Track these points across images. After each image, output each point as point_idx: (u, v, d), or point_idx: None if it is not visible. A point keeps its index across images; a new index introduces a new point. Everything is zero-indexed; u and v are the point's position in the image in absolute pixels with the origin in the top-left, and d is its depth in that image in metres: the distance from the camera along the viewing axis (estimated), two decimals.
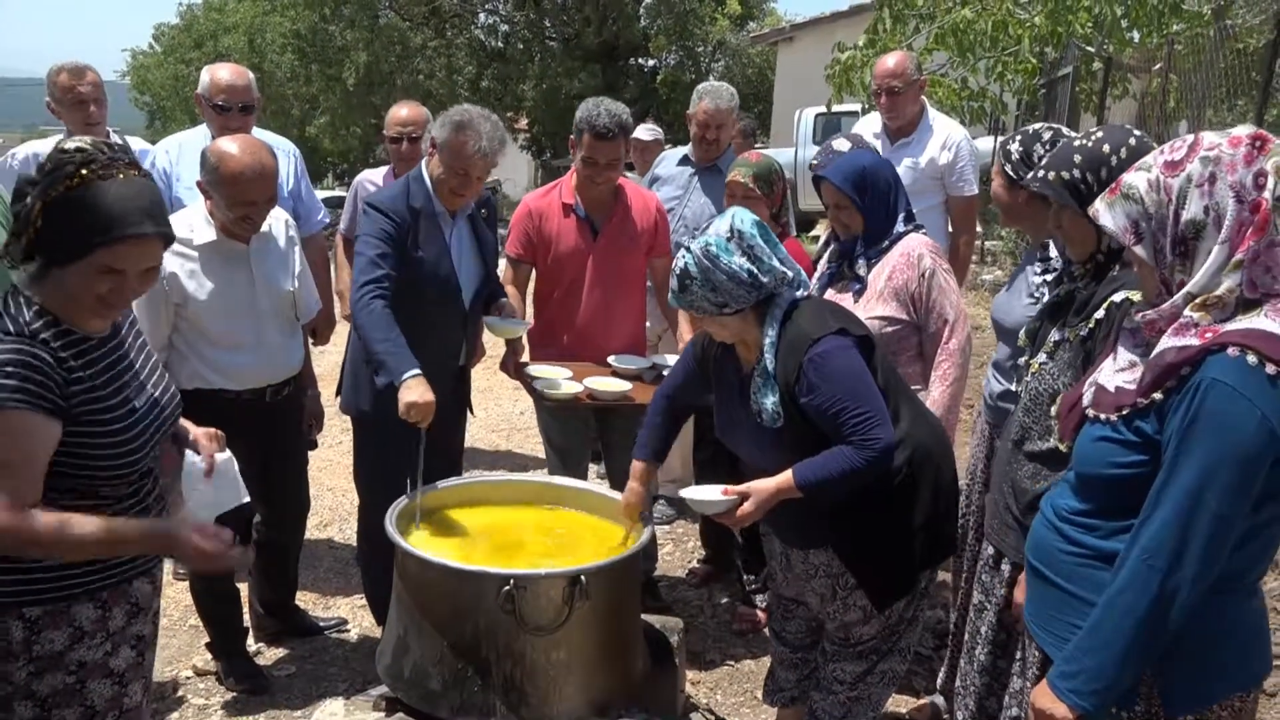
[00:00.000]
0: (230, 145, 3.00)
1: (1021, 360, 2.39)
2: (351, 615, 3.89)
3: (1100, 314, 2.15)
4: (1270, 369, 1.57)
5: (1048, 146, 2.60)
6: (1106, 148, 2.17)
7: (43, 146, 4.19)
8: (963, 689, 2.49)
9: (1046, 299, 2.40)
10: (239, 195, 2.97)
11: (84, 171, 1.82)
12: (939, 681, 3.12)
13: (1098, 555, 1.79)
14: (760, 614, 3.78)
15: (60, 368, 1.83)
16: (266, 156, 3.03)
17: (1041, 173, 2.23)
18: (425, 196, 3.26)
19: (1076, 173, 2.17)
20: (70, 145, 1.85)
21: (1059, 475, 2.03)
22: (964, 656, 2.52)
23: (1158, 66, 8.90)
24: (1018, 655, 2.33)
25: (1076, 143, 2.23)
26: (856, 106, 8.79)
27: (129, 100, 36.21)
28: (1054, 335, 2.27)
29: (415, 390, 2.86)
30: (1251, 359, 1.58)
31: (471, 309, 3.39)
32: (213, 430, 2.32)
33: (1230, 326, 1.62)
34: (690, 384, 2.81)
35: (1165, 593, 1.64)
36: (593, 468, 4.48)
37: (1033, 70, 7.91)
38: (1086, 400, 1.84)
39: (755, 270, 2.44)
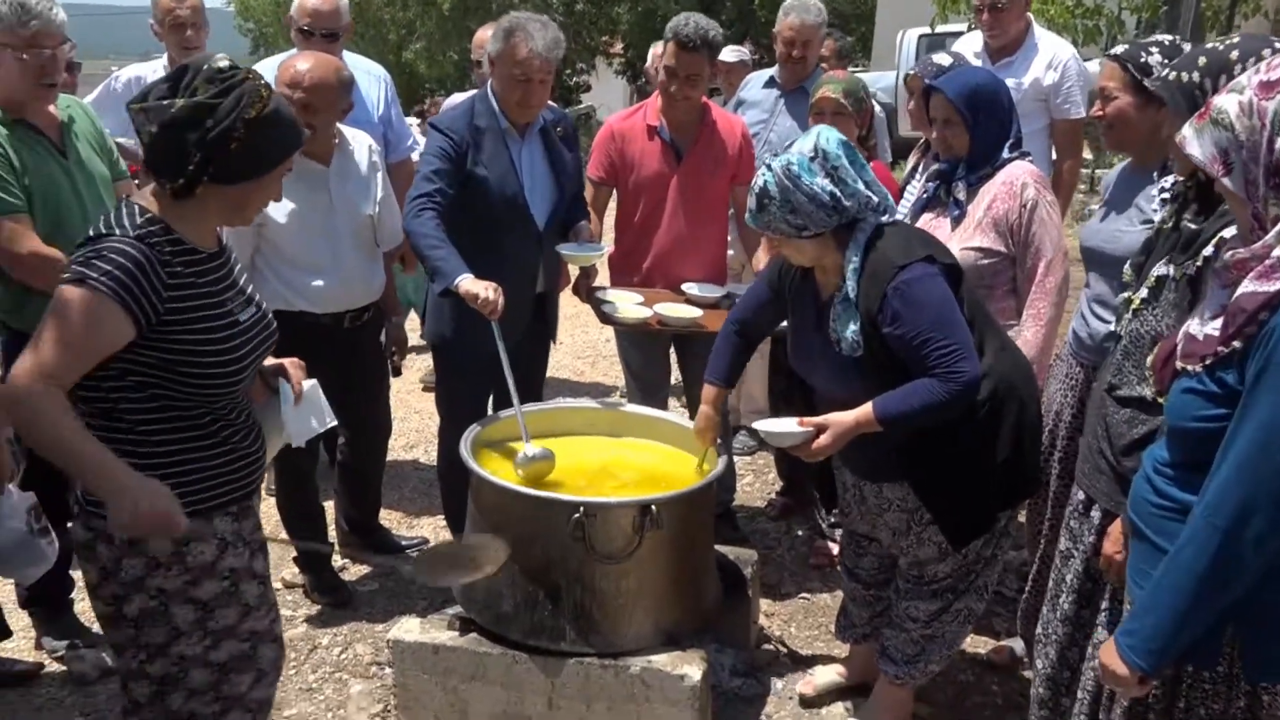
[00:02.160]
0: (298, 57, 3.05)
1: (1120, 298, 2.23)
2: (434, 535, 3.98)
3: (1209, 251, 1.96)
4: None
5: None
6: (1235, 54, 1.94)
7: (144, 69, 4.27)
8: (1044, 637, 2.40)
9: (1157, 223, 2.19)
10: (279, 93, 2.98)
11: (264, 91, 1.88)
12: (1019, 624, 3.04)
13: (1182, 509, 1.69)
14: (837, 549, 3.72)
15: (164, 272, 1.87)
16: (328, 71, 3.04)
17: (1166, 73, 2.04)
18: (490, 113, 3.21)
19: (1196, 75, 1.95)
20: (224, 64, 1.88)
21: (1155, 421, 1.91)
22: (1047, 604, 2.43)
23: None
24: (1103, 605, 2.24)
25: (1208, 45, 2.03)
26: (962, 26, 8.40)
27: (234, 27, 36.79)
28: (1158, 270, 2.11)
29: (473, 284, 2.84)
30: None
31: (547, 231, 3.31)
32: (295, 360, 2.36)
33: None
34: (763, 309, 2.73)
35: (1226, 551, 1.55)
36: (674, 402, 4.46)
37: None
38: (1178, 351, 1.71)
39: (838, 193, 2.33)
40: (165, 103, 1.83)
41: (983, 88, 2.84)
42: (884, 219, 2.44)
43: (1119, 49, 2.59)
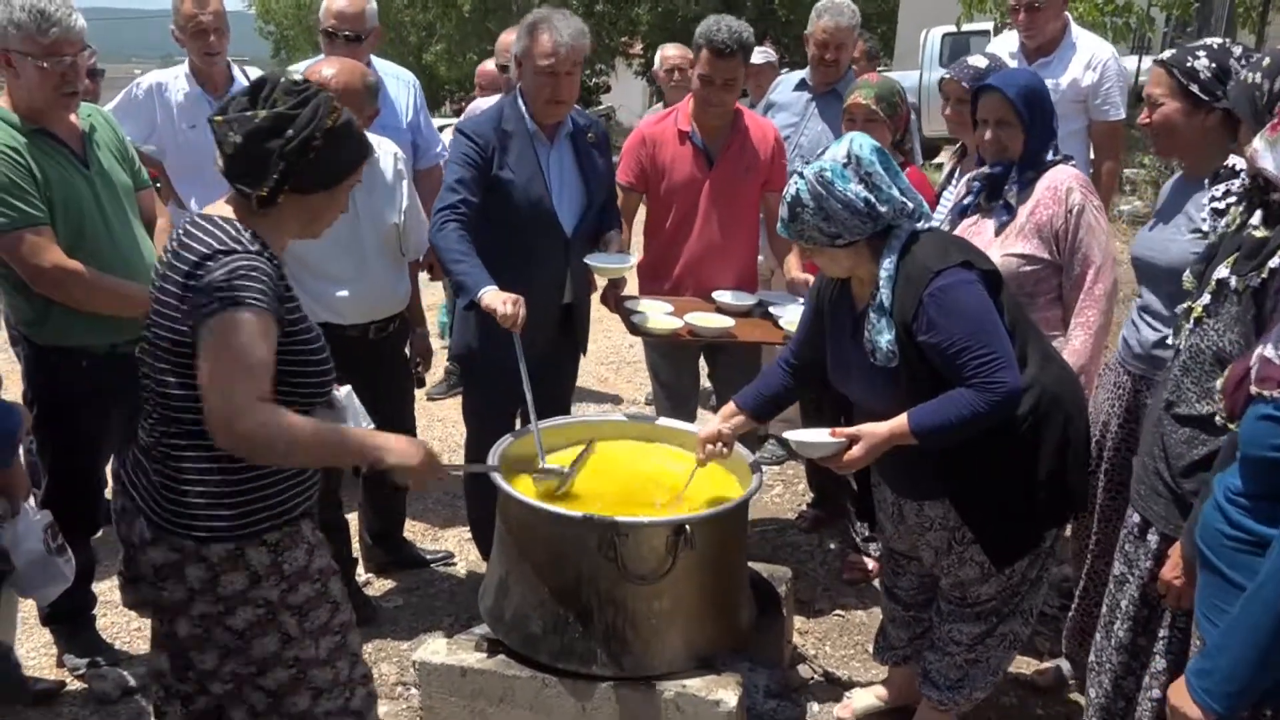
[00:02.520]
0: (323, 63, 2.99)
1: (1179, 308, 2.14)
2: (459, 548, 3.91)
3: (1277, 262, 1.87)
4: None
5: (1243, 62, 2.29)
6: None
7: (165, 75, 4.22)
8: (1098, 665, 2.31)
9: (1221, 228, 2.09)
10: None
11: (336, 103, 1.95)
12: (1064, 644, 2.94)
13: (1258, 541, 1.60)
14: (872, 563, 3.64)
15: (278, 281, 1.94)
16: (354, 77, 2.98)
17: (1244, 75, 1.94)
18: (518, 117, 3.15)
19: (1258, 77, 1.87)
20: (299, 77, 1.99)
21: (1218, 441, 1.82)
22: (1100, 631, 2.33)
23: None
24: (1160, 634, 2.14)
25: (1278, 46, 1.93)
26: (988, 25, 8.29)
27: (255, 30, 36.96)
28: (1219, 274, 1.99)
29: (494, 297, 2.80)
30: None
31: (575, 239, 3.23)
32: None
33: None
34: (814, 337, 2.62)
35: None
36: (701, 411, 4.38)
37: None
38: (1252, 375, 1.62)
39: (873, 199, 2.25)
40: (249, 114, 1.88)
41: (1037, 88, 2.78)
42: (919, 225, 2.36)
43: (1166, 54, 2.50)
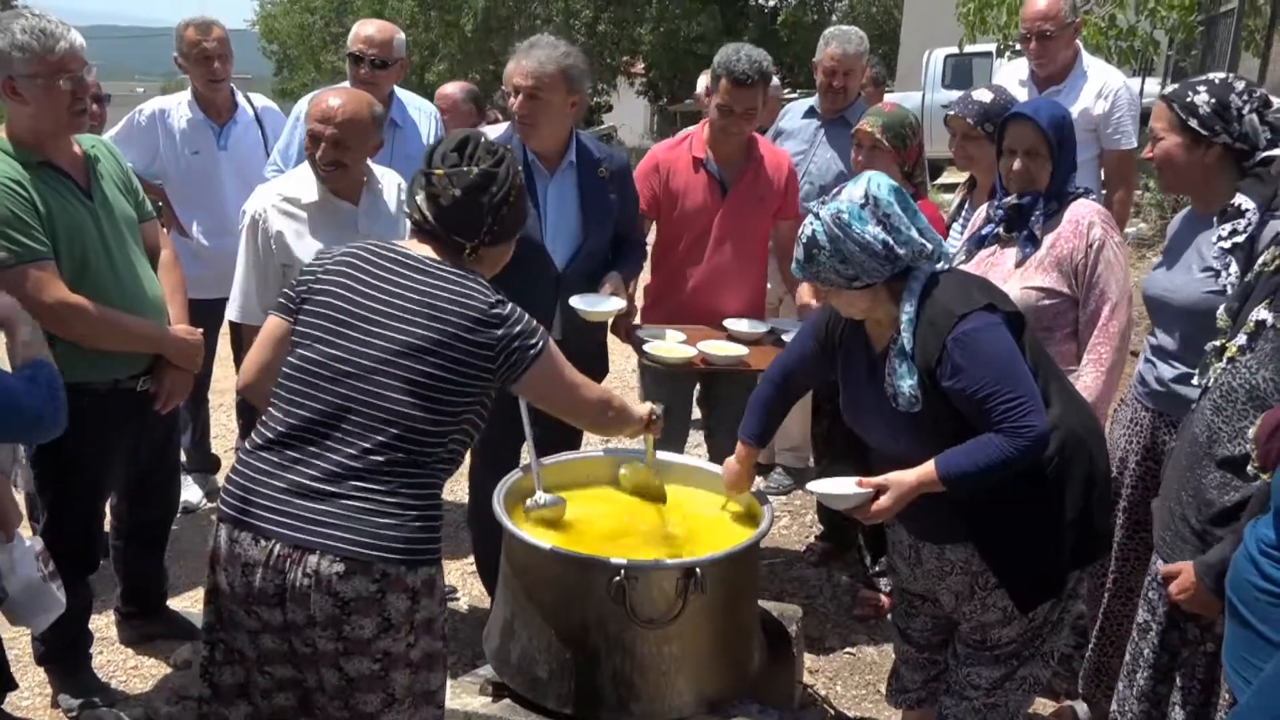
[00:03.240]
0: (329, 93, 2.98)
1: (1210, 346, 2.09)
2: (461, 583, 3.85)
3: None
4: None
5: (1245, 98, 2.27)
6: None
7: (168, 103, 4.20)
8: (1120, 715, 2.26)
9: (1259, 264, 2.05)
10: (310, 128, 2.92)
11: (518, 166, 2.12)
12: (1080, 685, 2.88)
13: None
14: (884, 599, 3.58)
15: None
16: (361, 106, 2.94)
17: None
18: (517, 145, 3.11)
19: None
20: (493, 136, 2.19)
21: (1251, 487, 1.77)
22: (1123, 679, 2.28)
23: None
24: (1178, 683, 2.09)
25: None
26: (990, 47, 8.30)
27: (258, 49, 37.12)
28: (1257, 315, 1.96)
29: None
30: None
31: (567, 274, 3.14)
32: None
33: None
34: (808, 364, 2.59)
35: None
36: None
37: (1191, 6, 7.28)
38: None
39: (891, 242, 2.21)
40: (464, 169, 2.02)
41: (1067, 119, 2.77)
42: (938, 266, 2.31)
43: (1168, 90, 2.48)
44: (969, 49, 8.56)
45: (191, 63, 4.07)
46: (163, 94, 4.64)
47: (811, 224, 2.25)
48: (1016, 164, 2.76)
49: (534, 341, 2.04)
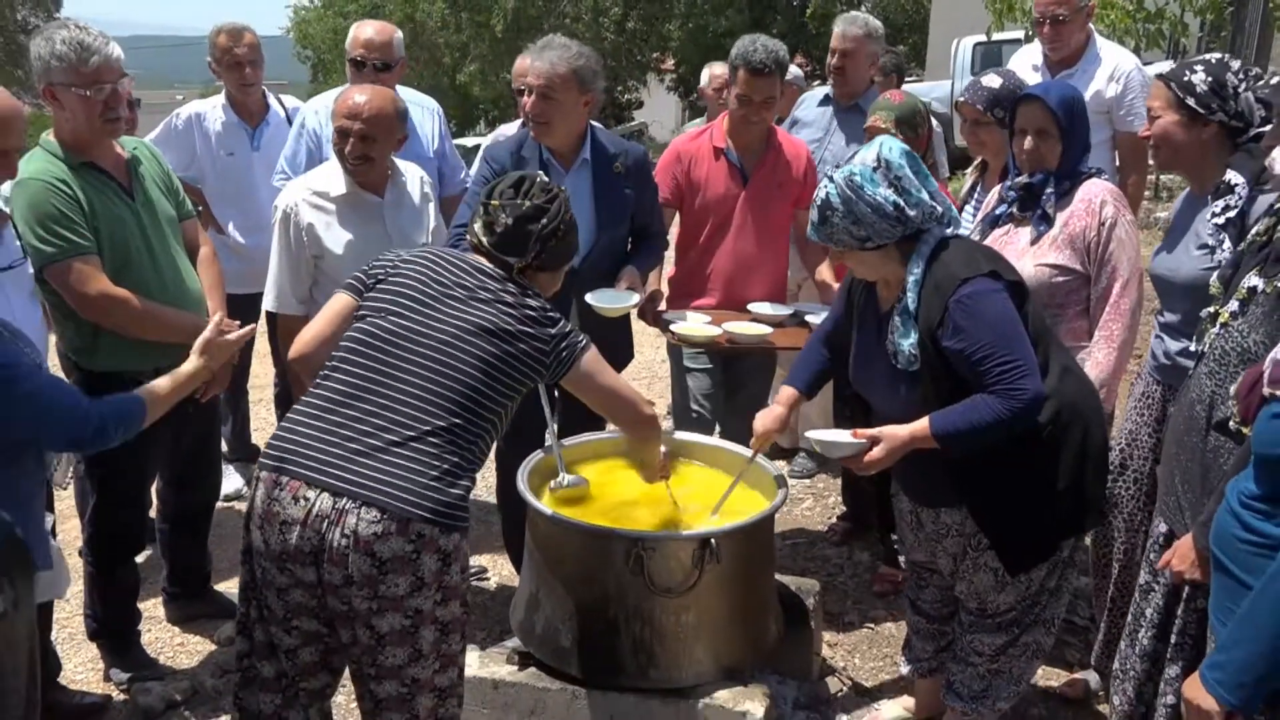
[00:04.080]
0: (354, 89, 3.08)
1: (1204, 312, 2.15)
2: (491, 563, 3.97)
3: None
4: None
5: (1240, 76, 2.33)
6: None
7: (203, 106, 4.35)
8: (1121, 673, 2.32)
9: (1252, 234, 2.11)
10: (339, 124, 3.02)
11: (569, 208, 2.35)
12: (1093, 656, 2.94)
13: (1274, 544, 1.62)
14: (902, 575, 3.64)
15: None
16: (386, 101, 3.05)
17: (1276, 80, 1.98)
18: (534, 143, 3.21)
19: None
20: (544, 178, 2.36)
21: (1241, 451, 1.83)
22: (1125, 639, 2.35)
23: None
24: (1172, 639, 2.16)
25: None
26: (1019, 34, 8.26)
27: (292, 55, 37.54)
28: (1248, 282, 2.02)
29: None
30: None
31: (584, 268, 3.17)
32: None
33: None
34: (841, 328, 2.69)
35: None
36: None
37: None
38: (1265, 377, 1.64)
39: (902, 203, 2.29)
40: (517, 201, 2.28)
41: (1076, 99, 2.82)
42: (948, 231, 2.39)
43: (1166, 69, 2.54)
44: (997, 36, 8.51)
45: (224, 68, 4.21)
46: (200, 99, 4.78)
47: (826, 186, 2.34)
48: (1028, 143, 2.82)
49: (580, 340, 2.28)
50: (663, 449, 2.64)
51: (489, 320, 2.17)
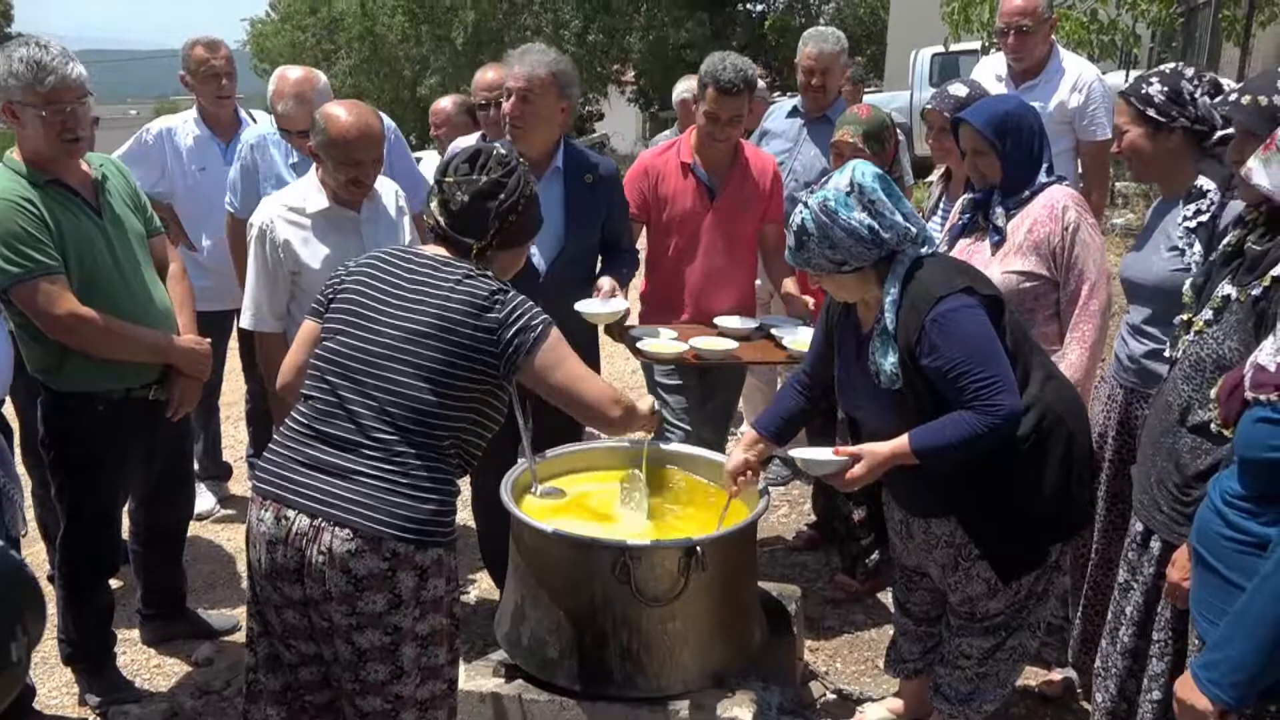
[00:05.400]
0: (336, 107, 3.02)
1: (1178, 319, 2.21)
2: (471, 576, 3.95)
3: (1278, 271, 1.94)
4: None
5: (1195, 83, 2.41)
6: None
7: (174, 121, 4.30)
8: (1104, 671, 2.36)
9: (1223, 245, 2.17)
10: (346, 156, 2.98)
11: (530, 174, 2.26)
12: (1070, 654, 2.99)
13: (1259, 542, 1.66)
14: (857, 585, 3.71)
15: None
16: (372, 118, 3.03)
17: (1235, 97, 2.03)
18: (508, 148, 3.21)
19: (1278, 99, 1.95)
20: (506, 149, 2.26)
21: (1221, 451, 1.88)
22: (1106, 637, 2.39)
23: None
24: (1155, 637, 2.20)
25: None
26: (975, 45, 8.42)
27: (250, 68, 37.25)
28: (1222, 290, 2.08)
29: None
30: None
31: (549, 276, 3.19)
32: None
33: None
34: (824, 362, 2.69)
35: None
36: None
37: None
38: (1247, 382, 1.68)
39: (876, 226, 2.32)
40: (473, 178, 2.18)
41: (1010, 114, 2.85)
42: (923, 251, 2.42)
43: (1124, 86, 2.63)
44: (955, 47, 8.68)
45: (200, 80, 4.16)
46: (156, 115, 4.71)
47: (801, 212, 2.36)
48: (968, 162, 2.93)
49: (535, 324, 2.13)
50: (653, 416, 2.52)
51: (422, 323, 2.10)
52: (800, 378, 2.78)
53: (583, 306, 3.18)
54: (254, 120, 4.38)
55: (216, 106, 4.21)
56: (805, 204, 2.36)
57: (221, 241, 4.11)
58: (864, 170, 2.37)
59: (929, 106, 3.40)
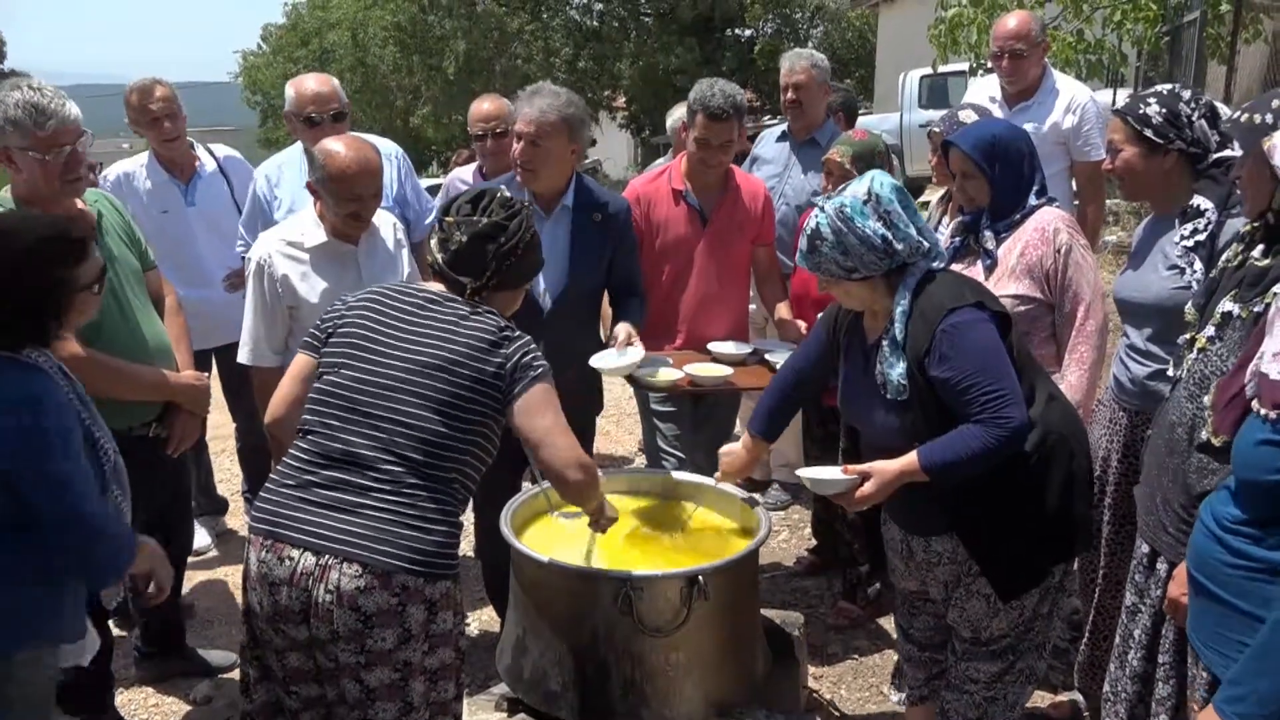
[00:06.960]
0: (335, 143, 3.02)
1: (1182, 339, 2.21)
2: (471, 609, 3.92)
3: None
4: None
5: (1192, 106, 2.42)
6: None
7: (130, 166, 4.23)
8: (1113, 695, 2.34)
9: (1222, 263, 2.17)
10: (346, 191, 2.97)
11: (532, 219, 2.29)
12: (1076, 678, 2.97)
13: (1266, 568, 1.63)
14: (858, 610, 3.69)
15: None
16: (371, 152, 3.03)
17: (1237, 115, 2.04)
18: (516, 186, 3.22)
19: (1269, 117, 1.94)
20: (508, 194, 2.30)
21: (1227, 469, 1.87)
22: (1114, 661, 2.37)
23: None
24: (1162, 660, 2.18)
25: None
26: (963, 67, 8.47)
27: (242, 100, 37.40)
28: (1223, 307, 2.07)
29: None
30: None
31: (553, 314, 3.20)
32: None
33: None
34: (819, 358, 2.70)
35: None
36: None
37: (1155, 17, 7.45)
38: (1249, 391, 1.67)
39: (890, 236, 2.33)
40: (473, 219, 2.21)
41: (999, 138, 2.86)
42: (935, 265, 2.43)
43: (1121, 104, 2.64)
44: (943, 69, 8.73)
45: (143, 126, 4.10)
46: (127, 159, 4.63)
47: (816, 216, 2.37)
48: (957, 185, 2.95)
49: (537, 364, 2.18)
50: (605, 505, 2.50)
51: (433, 356, 2.13)
52: (786, 375, 2.76)
53: (597, 362, 3.16)
54: (213, 156, 4.33)
55: (166, 150, 4.14)
56: (822, 208, 2.37)
57: (190, 280, 3.98)
58: (882, 180, 2.39)
59: (936, 130, 3.43)
